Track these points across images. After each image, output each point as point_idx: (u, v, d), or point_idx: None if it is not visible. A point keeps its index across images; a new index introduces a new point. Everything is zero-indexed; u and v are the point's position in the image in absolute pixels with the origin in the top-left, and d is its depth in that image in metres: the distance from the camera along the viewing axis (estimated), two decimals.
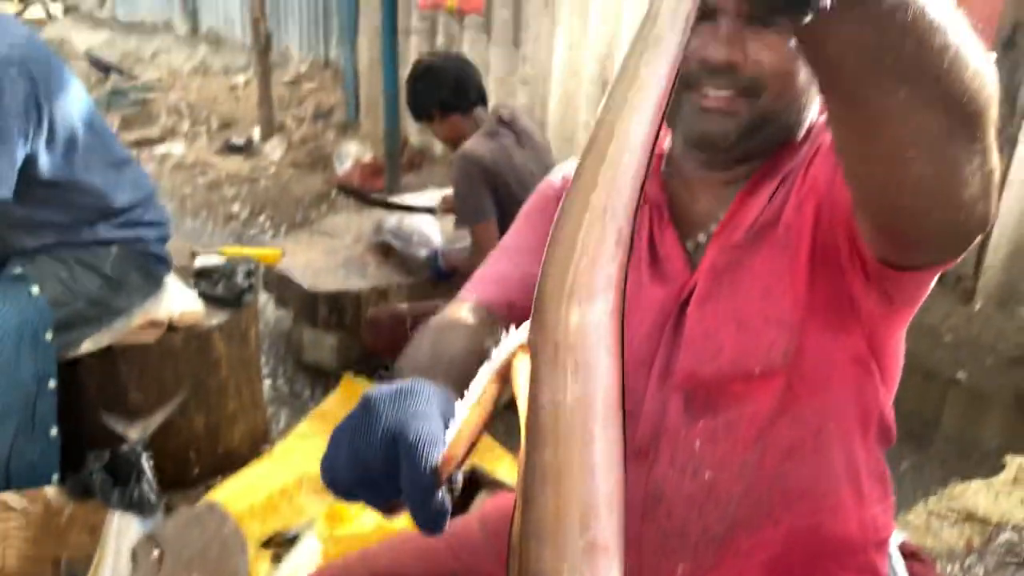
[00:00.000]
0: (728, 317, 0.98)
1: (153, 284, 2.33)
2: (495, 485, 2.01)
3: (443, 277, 3.08)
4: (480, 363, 0.82)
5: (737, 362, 0.98)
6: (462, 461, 0.64)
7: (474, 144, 2.73)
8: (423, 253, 3.13)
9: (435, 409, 0.67)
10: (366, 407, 0.67)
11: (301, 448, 2.72)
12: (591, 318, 0.48)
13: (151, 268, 2.30)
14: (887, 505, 1.11)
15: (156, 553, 1.49)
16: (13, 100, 1.84)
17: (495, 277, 1.13)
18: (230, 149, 5.57)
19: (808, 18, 0.49)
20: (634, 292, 1.03)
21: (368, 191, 4.89)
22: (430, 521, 0.63)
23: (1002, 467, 2.83)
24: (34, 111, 1.91)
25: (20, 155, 1.89)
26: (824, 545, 1.04)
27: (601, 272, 0.48)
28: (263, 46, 5.45)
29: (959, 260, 0.88)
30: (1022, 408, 3.28)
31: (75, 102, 2.05)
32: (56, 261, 2.13)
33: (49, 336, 2.06)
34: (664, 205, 1.07)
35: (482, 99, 2.91)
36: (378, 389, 0.69)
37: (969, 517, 2.60)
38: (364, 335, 2.93)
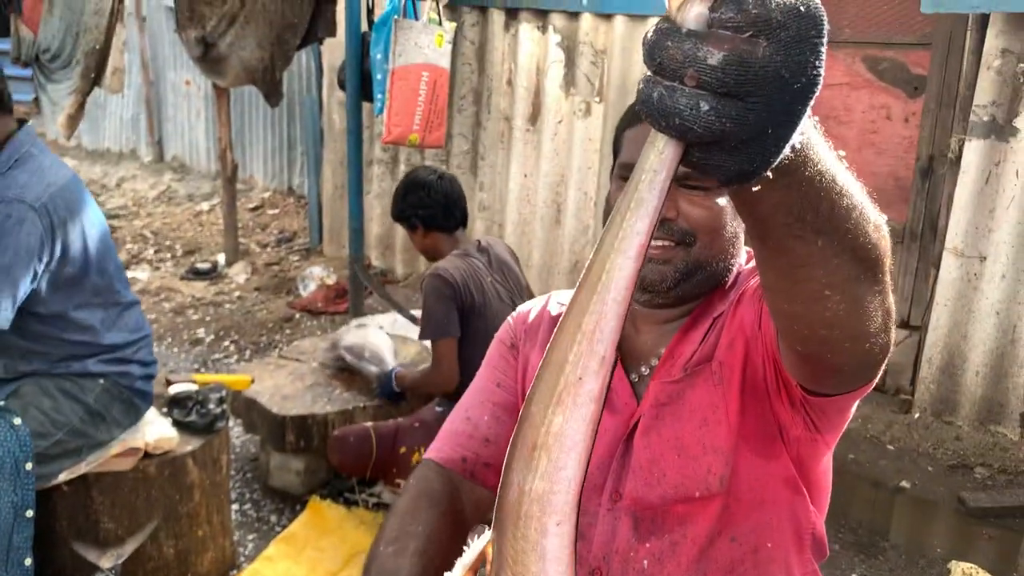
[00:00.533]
0: (670, 446, 1.10)
1: (133, 417, 2.41)
2: None
3: (394, 398, 3.17)
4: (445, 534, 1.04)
5: (679, 487, 1.09)
6: None
7: (447, 263, 2.88)
8: (373, 370, 3.25)
9: None
10: None
11: (268, 572, 2.76)
12: (571, 425, 0.58)
13: (133, 402, 2.38)
14: None
15: None
16: (30, 240, 1.98)
17: (450, 434, 1.29)
18: (195, 274, 5.68)
19: (750, 185, 0.59)
20: None
21: (333, 313, 5.03)
22: None
23: (947, 572, 2.95)
24: (48, 252, 2.04)
25: (23, 293, 2.00)
26: None
27: (586, 386, 0.57)
28: (230, 175, 5.65)
29: (870, 389, 1.00)
30: (963, 513, 3.43)
31: (92, 242, 2.19)
32: (40, 391, 2.20)
33: (29, 467, 2.11)
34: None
35: (464, 221, 3.08)
36: None
37: None
38: (330, 454, 3.01)
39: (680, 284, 1.12)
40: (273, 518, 3.11)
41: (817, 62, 0.52)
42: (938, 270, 4.00)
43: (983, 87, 3.77)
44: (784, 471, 1.10)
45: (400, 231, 5.70)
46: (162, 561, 2.52)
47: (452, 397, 2.72)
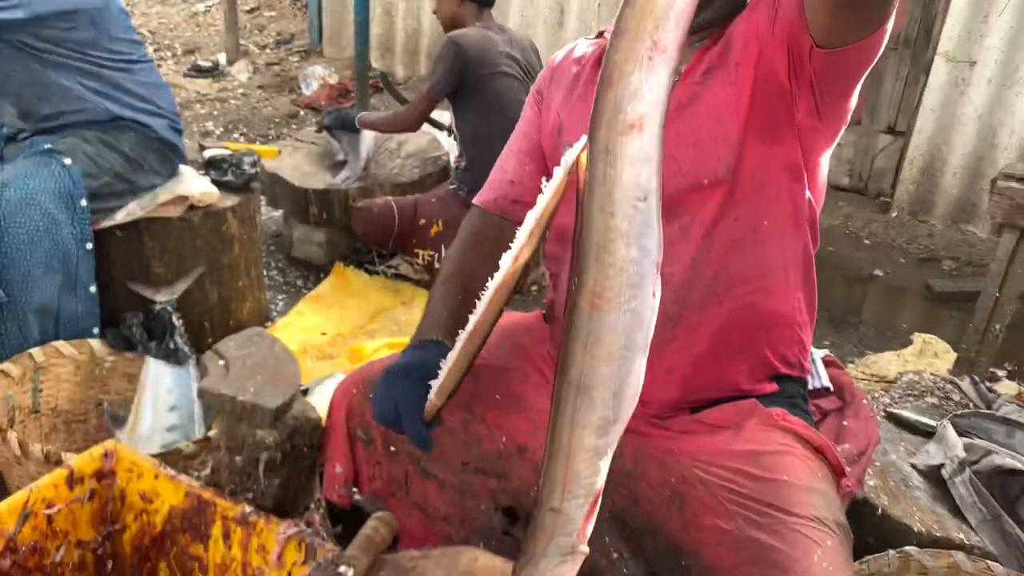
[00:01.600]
0: (688, 142, 1.27)
1: (169, 167, 2.58)
2: None
3: (342, 126, 3.48)
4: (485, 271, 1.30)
5: (691, 175, 1.27)
6: (442, 406, 1.21)
7: (467, 31, 3.08)
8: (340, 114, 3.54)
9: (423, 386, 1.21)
10: (386, 378, 1.26)
11: (301, 323, 3.04)
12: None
13: (166, 153, 2.56)
14: (810, 291, 1.40)
15: (222, 362, 1.79)
16: None
17: (489, 182, 1.53)
18: (198, 71, 5.72)
19: None
20: None
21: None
22: (420, 445, 1.21)
23: (910, 343, 3.29)
24: None
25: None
26: (759, 320, 1.33)
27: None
28: None
29: (879, 48, 1.13)
30: (929, 298, 3.75)
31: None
32: (80, 139, 2.36)
33: (84, 202, 2.31)
34: None
35: (491, 2, 3.26)
36: (395, 364, 1.27)
37: (881, 379, 3.04)
38: (354, 223, 3.23)
39: (702, 9, 1.25)
40: (299, 282, 3.36)
41: None
42: (928, 75, 4.16)
43: None
44: (786, 158, 1.26)
45: (401, 30, 5.72)
46: (207, 305, 2.77)
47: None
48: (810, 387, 1.56)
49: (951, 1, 4.01)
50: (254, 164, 2.84)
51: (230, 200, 2.73)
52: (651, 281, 0.70)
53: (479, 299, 1.20)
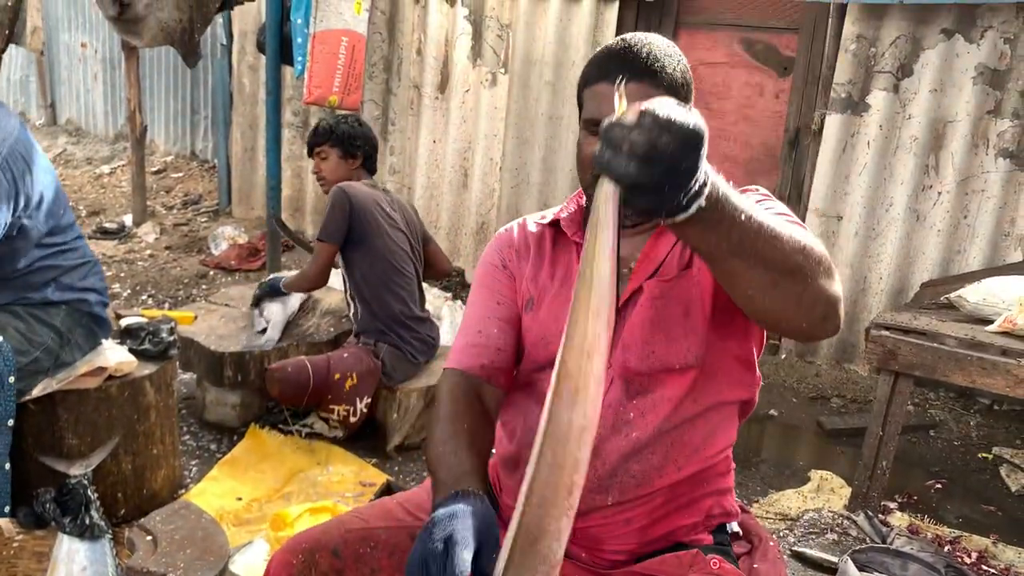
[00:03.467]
0: (660, 330, 1.44)
1: (93, 341, 2.61)
2: None
3: (272, 292, 3.61)
4: (483, 430, 1.45)
5: (664, 361, 1.44)
6: None
7: (356, 184, 3.35)
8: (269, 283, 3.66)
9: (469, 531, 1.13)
10: (429, 524, 1.12)
11: (215, 489, 3.01)
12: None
13: (93, 327, 2.58)
14: (732, 462, 1.60)
15: (149, 538, 1.80)
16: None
17: (466, 347, 1.55)
18: (103, 234, 5.73)
19: (669, 219, 0.96)
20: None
21: (247, 270, 5.22)
22: None
23: (808, 479, 3.48)
24: (14, 194, 2.23)
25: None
26: (705, 480, 1.50)
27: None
28: (139, 135, 5.71)
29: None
30: (821, 435, 3.98)
31: (45, 176, 2.37)
32: (14, 316, 2.39)
33: (12, 380, 2.31)
34: None
35: (373, 167, 3.55)
36: (438, 514, 1.15)
37: (784, 517, 3.19)
38: (269, 385, 3.25)
39: (646, 221, 1.45)
40: (213, 446, 3.33)
41: (696, 155, 0.90)
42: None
43: (841, 68, 4.33)
44: (739, 349, 1.46)
45: (311, 192, 5.91)
46: (121, 476, 2.73)
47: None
48: None
49: (816, 163, 4.46)
50: (171, 331, 2.88)
51: (147, 368, 2.75)
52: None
53: (484, 453, 1.34)
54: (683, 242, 1.09)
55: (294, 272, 3.67)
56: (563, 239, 1.56)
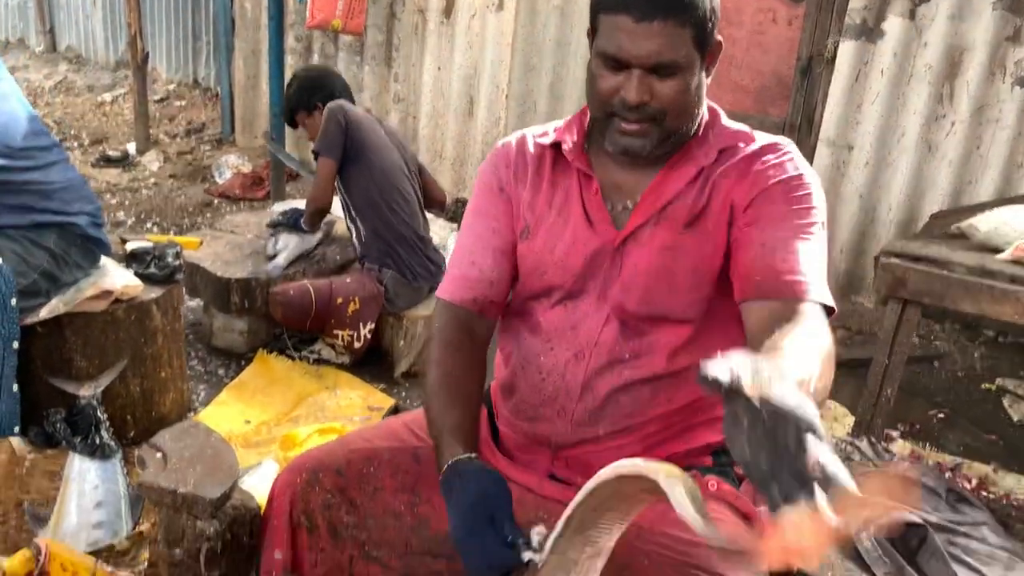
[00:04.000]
0: (664, 280, 1.38)
1: (92, 262, 2.60)
2: None
3: (293, 220, 3.59)
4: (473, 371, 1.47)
5: (663, 310, 1.40)
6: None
7: (350, 105, 3.34)
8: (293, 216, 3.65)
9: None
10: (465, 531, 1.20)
11: (224, 413, 3.04)
12: None
13: (89, 247, 2.57)
14: None
15: (159, 455, 1.81)
16: None
17: (459, 278, 1.51)
18: (107, 161, 5.69)
19: None
20: (572, 240, 1.41)
21: (251, 199, 5.19)
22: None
23: None
24: None
25: None
26: (699, 410, 1.45)
27: None
28: (140, 62, 5.62)
29: None
30: None
31: (12, 100, 2.34)
32: (9, 239, 2.37)
33: (14, 302, 2.31)
34: (592, 176, 1.42)
35: (349, 99, 3.51)
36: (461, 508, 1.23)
37: None
38: (272, 308, 3.27)
39: (656, 148, 1.38)
40: (221, 371, 3.36)
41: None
42: (812, 159, 4.51)
43: None
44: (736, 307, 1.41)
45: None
46: (130, 399, 2.75)
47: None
48: None
49: (829, 92, 4.38)
50: (177, 256, 2.87)
51: (153, 292, 2.75)
52: None
53: (472, 403, 1.39)
54: None
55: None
56: (563, 162, 1.49)
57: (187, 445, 1.87)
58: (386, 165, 3.34)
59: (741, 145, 1.41)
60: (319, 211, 3.49)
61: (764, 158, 1.39)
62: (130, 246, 2.88)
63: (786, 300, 1.26)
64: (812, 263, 1.30)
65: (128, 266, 2.81)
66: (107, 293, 2.59)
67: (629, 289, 1.39)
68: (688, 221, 1.38)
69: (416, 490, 1.50)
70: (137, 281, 2.71)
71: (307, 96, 3.48)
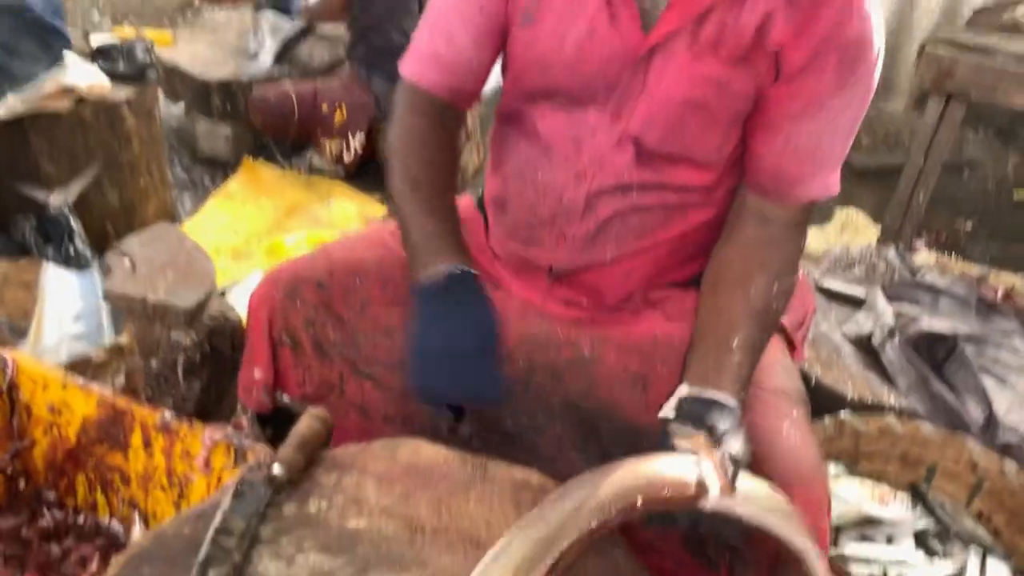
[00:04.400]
0: (697, 117, 1.14)
1: (51, 54, 2.33)
2: None
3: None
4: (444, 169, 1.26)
5: (687, 149, 1.17)
6: None
7: None
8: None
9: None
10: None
11: (211, 223, 2.88)
12: None
13: (46, 38, 2.31)
14: None
15: (127, 262, 1.66)
16: None
17: (433, 56, 1.25)
18: None
19: None
20: (587, 34, 1.13)
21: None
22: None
23: (833, 217, 3.32)
24: None
25: None
26: (717, 227, 1.26)
27: None
28: None
29: None
30: (849, 174, 3.78)
31: None
32: None
33: None
34: None
35: None
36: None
37: (807, 256, 3.06)
38: (251, 115, 3.03)
39: None
40: (207, 180, 3.17)
41: None
42: None
43: None
44: None
45: None
46: (108, 208, 2.58)
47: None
48: None
49: None
50: (147, 51, 2.61)
51: (124, 92, 2.51)
52: None
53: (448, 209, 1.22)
54: None
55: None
56: None
57: (158, 251, 1.73)
58: None
59: None
60: (332, 20, 3.17)
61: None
62: (95, 41, 2.63)
63: (779, 204, 1.18)
64: (829, 159, 1.14)
65: (94, 63, 2.56)
66: (70, 91, 2.35)
67: (652, 122, 1.15)
68: (737, 53, 1.09)
69: (408, 302, 1.32)
70: (104, 79, 2.47)
71: None
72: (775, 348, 1.27)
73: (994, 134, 4.04)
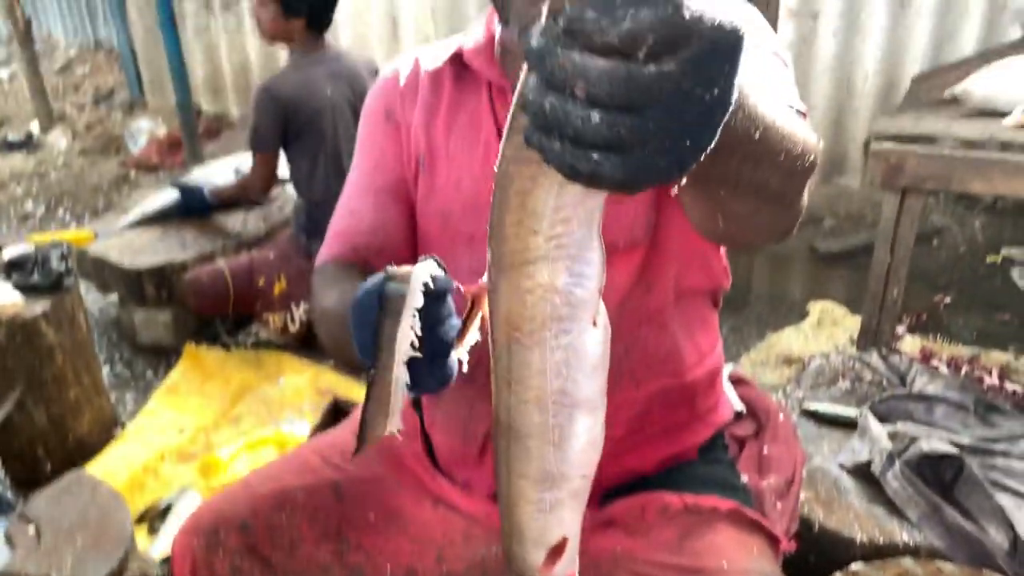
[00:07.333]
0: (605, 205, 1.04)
1: None
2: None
3: (195, 207, 3.23)
4: None
5: (606, 236, 1.06)
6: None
7: (280, 78, 2.76)
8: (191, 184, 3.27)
9: None
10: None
11: (155, 424, 2.68)
12: None
13: None
14: (718, 349, 1.26)
15: (32, 530, 1.47)
16: None
17: (335, 235, 1.20)
18: (9, 147, 5.18)
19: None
20: (481, 171, 1.09)
21: (171, 166, 4.73)
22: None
23: (807, 313, 3.18)
24: None
25: None
26: (676, 399, 1.17)
27: None
28: (24, 34, 5.06)
29: None
30: (817, 260, 3.67)
31: None
32: None
33: None
34: (507, 88, 1.10)
35: (323, 23, 2.82)
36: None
37: (786, 359, 2.91)
38: (186, 298, 2.90)
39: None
40: (149, 373, 2.99)
41: (730, 73, 0.44)
42: (775, 32, 4.08)
43: None
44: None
45: (228, 69, 5.33)
46: (37, 430, 2.40)
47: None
48: None
49: None
50: (63, 257, 2.47)
51: (40, 306, 2.36)
52: (588, 312, 0.58)
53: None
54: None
55: (228, 183, 3.19)
56: (468, 77, 1.14)
57: (67, 509, 1.54)
58: (333, 147, 2.82)
59: None
60: (252, 200, 3.11)
61: None
62: (7, 254, 2.48)
63: None
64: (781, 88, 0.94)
65: (7, 278, 2.42)
66: None
67: None
68: None
69: (342, 534, 1.23)
70: (16, 296, 2.33)
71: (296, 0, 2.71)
72: (749, 551, 1.10)
73: (955, 199, 3.97)
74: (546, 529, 0.65)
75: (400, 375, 0.78)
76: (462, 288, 0.72)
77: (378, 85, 1.23)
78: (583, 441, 0.62)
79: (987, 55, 3.32)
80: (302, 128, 2.77)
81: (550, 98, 0.44)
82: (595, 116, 0.43)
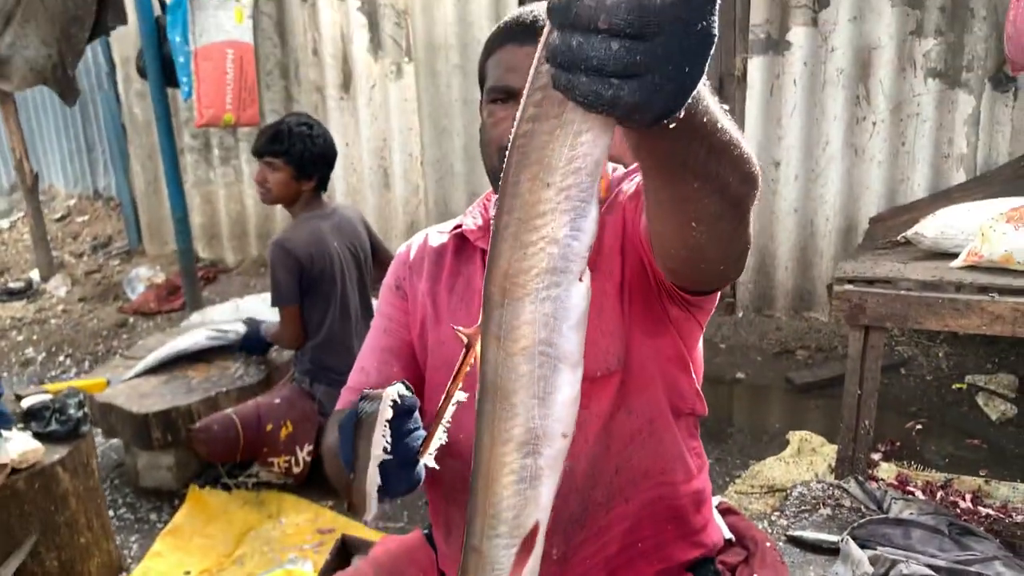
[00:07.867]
0: None
1: None
2: (367, 545, 2.16)
3: (259, 348, 3.37)
4: None
5: (584, 369, 1.21)
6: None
7: (291, 234, 2.97)
8: (241, 329, 3.38)
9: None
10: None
11: (160, 567, 2.74)
12: None
13: None
14: (704, 474, 1.37)
15: None
16: None
17: (347, 391, 1.39)
18: (9, 295, 5.33)
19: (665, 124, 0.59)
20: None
21: (169, 312, 4.89)
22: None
23: (787, 443, 3.32)
24: None
25: None
26: (666, 514, 1.28)
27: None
28: (31, 185, 5.31)
29: (725, 288, 1.19)
30: (792, 391, 3.84)
31: None
32: None
33: None
34: None
35: (325, 184, 3.12)
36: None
37: (769, 488, 3.03)
38: (196, 446, 2.98)
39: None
40: (153, 516, 3.05)
41: (712, 10, 0.57)
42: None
43: (757, 8, 4.14)
44: (671, 349, 1.23)
45: (225, 217, 5.58)
46: (48, 575, 2.45)
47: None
48: None
49: (745, 110, 4.28)
50: (80, 405, 2.59)
51: (57, 453, 2.46)
52: (579, 266, 0.62)
53: None
54: (643, 157, 0.77)
55: (271, 320, 3.36)
56: (467, 248, 1.35)
57: None
58: (341, 295, 3.06)
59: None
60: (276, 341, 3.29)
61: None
62: (26, 403, 2.60)
63: None
64: None
65: (26, 426, 2.52)
66: (2, 466, 2.29)
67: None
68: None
69: None
70: (36, 444, 2.42)
71: (307, 161, 2.94)
72: None
73: (919, 330, 4.19)
74: (523, 508, 0.67)
75: (373, 476, 0.94)
76: (461, 330, 0.77)
77: (394, 260, 1.45)
78: (566, 395, 0.65)
79: (936, 197, 3.63)
80: (315, 278, 2.98)
81: (576, 37, 0.55)
82: (614, 44, 0.54)
